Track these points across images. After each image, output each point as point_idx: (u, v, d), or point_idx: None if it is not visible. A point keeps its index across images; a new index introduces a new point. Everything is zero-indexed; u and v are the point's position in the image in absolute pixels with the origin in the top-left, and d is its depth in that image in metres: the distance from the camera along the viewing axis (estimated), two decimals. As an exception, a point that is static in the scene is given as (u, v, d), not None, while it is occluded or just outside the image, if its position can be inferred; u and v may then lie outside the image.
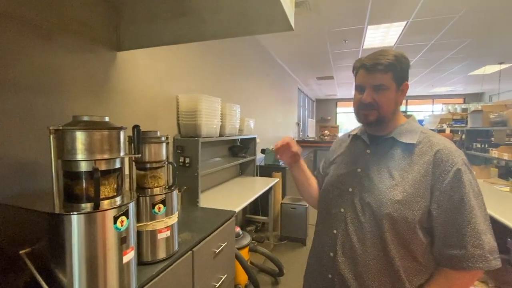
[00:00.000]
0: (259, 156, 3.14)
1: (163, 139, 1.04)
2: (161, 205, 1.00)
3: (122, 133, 0.76)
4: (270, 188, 2.71)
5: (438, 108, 9.40)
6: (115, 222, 0.71)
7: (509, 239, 1.77)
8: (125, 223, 0.74)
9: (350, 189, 0.84)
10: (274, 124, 4.86)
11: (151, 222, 0.98)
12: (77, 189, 0.71)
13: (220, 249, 1.38)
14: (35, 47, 0.99)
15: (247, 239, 2.12)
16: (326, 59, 4.89)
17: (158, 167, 1.05)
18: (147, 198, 0.98)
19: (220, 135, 2.15)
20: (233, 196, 2.13)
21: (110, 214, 0.70)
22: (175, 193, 1.08)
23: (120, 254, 0.73)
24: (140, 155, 0.89)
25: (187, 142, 1.78)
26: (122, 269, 0.74)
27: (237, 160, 2.58)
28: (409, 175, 0.75)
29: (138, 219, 0.97)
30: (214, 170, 2.06)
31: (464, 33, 3.54)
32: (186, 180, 1.75)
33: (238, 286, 2.02)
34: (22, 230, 0.71)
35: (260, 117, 3.95)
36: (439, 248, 0.72)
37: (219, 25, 1.14)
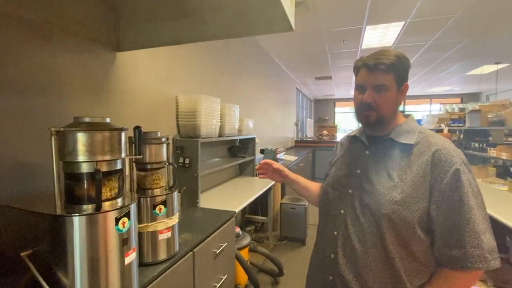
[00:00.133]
0: (258, 156, 3.13)
1: (163, 139, 1.04)
2: (162, 206, 1.00)
3: (123, 134, 0.76)
4: (270, 188, 2.71)
5: (436, 108, 9.45)
6: (116, 224, 0.71)
7: (508, 238, 1.78)
8: (127, 224, 0.74)
9: (350, 191, 0.84)
10: (273, 124, 4.87)
11: (152, 223, 0.98)
12: (79, 190, 0.71)
13: (220, 249, 1.38)
14: (34, 48, 0.98)
15: (247, 239, 2.12)
16: (325, 59, 4.90)
17: (159, 168, 1.05)
18: (148, 199, 0.98)
19: (220, 136, 2.15)
20: (232, 196, 2.13)
21: (112, 215, 0.70)
22: (176, 194, 1.07)
23: (122, 256, 0.73)
24: (141, 156, 0.89)
25: (187, 142, 1.78)
26: (124, 270, 0.74)
27: (236, 160, 2.58)
28: (408, 176, 0.75)
29: (139, 220, 0.96)
30: (213, 170, 2.06)
31: (462, 34, 3.56)
32: (185, 180, 1.75)
33: (238, 286, 2.02)
34: (23, 232, 0.70)
35: (259, 117, 3.95)
36: (439, 248, 0.72)
37: (219, 25, 1.14)
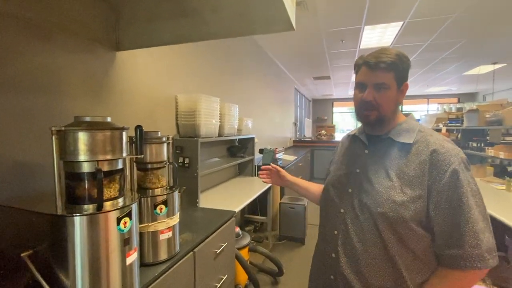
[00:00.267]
0: (258, 156, 3.13)
1: (164, 139, 1.04)
2: (163, 206, 0.99)
3: (124, 134, 0.76)
4: (269, 188, 2.71)
5: (433, 108, 9.50)
6: (118, 224, 0.70)
7: (506, 237, 1.79)
8: (128, 224, 0.73)
9: (350, 190, 0.85)
10: (272, 124, 4.87)
11: (152, 223, 0.98)
12: (79, 190, 0.70)
13: (221, 249, 1.38)
14: (34, 47, 0.97)
15: (246, 239, 2.12)
16: (323, 59, 4.91)
17: (159, 168, 1.04)
18: (149, 199, 0.97)
19: (219, 135, 2.14)
20: (232, 196, 2.13)
21: (113, 215, 0.69)
22: (177, 193, 1.07)
23: (123, 256, 0.73)
24: (142, 155, 0.88)
25: (186, 142, 1.77)
26: (125, 271, 0.74)
27: (235, 160, 2.57)
28: (406, 175, 0.76)
29: (140, 220, 0.96)
30: (213, 170, 2.05)
31: (459, 34, 3.58)
32: (185, 180, 1.74)
33: (238, 286, 2.01)
34: (24, 232, 0.70)
35: (258, 117, 3.95)
36: (438, 247, 0.73)
37: (219, 25, 1.14)
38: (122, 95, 1.40)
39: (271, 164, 1.20)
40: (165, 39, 1.25)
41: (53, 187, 0.67)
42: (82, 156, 0.67)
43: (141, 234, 0.95)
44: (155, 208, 0.98)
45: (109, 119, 0.75)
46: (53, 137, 0.65)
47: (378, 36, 3.70)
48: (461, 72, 5.91)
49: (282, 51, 4.46)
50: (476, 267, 0.67)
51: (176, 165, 1.06)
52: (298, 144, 7.21)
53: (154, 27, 1.23)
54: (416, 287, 0.75)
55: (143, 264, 0.96)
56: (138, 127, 0.84)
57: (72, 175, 0.70)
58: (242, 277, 2.03)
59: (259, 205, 3.15)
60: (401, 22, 3.20)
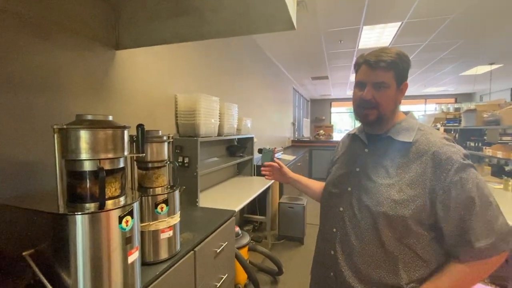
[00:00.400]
0: (257, 156, 3.13)
1: (165, 138, 1.04)
2: (164, 205, 0.99)
3: (126, 132, 0.75)
4: (268, 188, 2.71)
5: (431, 108, 9.56)
6: (120, 222, 0.70)
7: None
8: (130, 223, 0.73)
9: (349, 189, 0.85)
10: (271, 123, 4.87)
11: (153, 222, 0.97)
12: (81, 189, 0.70)
13: (221, 248, 1.37)
14: (34, 46, 0.97)
15: (246, 239, 2.12)
16: (322, 59, 4.92)
17: (160, 167, 1.04)
18: (149, 197, 0.97)
19: (219, 135, 2.14)
20: (231, 195, 2.13)
21: (115, 214, 0.69)
22: (177, 192, 1.07)
23: (125, 255, 0.72)
24: (144, 154, 0.88)
25: (186, 141, 1.77)
26: (127, 269, 0.73)
27: (235, 160, 2.57)
28: (406, 174, 0.76)
29: (141, 219, 0.95)
30: (213, 169, 2.05)
31: (457, 34, 3.60)
32: (185, 180, 1.74)
33: (238, 285, 2.01)
34: (25, 231, 0.69)
35: (257, 117, 3.95)
36: (453, 245, 0.72)
37: (220, 24, 1.14)
38: (122, 94, 1.40)
39: (274, 159, 1.21)
40: (165, 38, 1.24)
41: (54, 185, 0.67)
42: (84, 155, 0.67)
43: (142, 233, 0.95)
44: (156, 207, 0.97)
45: (110, 118, 0.75)
46: (55, 136, 0.65)
47: (376, 36, 3.72)
48: (459, 73, 5.95)
49: (281, 51, 4.47)
50: (497, 253, 0.68)
51: (177, 164, 1.06)
52: (296, 144, 7.23)
53: (154, 26, 1.22)
54: (414, 285, 0.75)
55: (144, 263, 0.96)
56: (140, 126, 0.84)
57: (74, 174, 0.70)
58: (242, 276, 2.03)
59: (258, 204, 3.15)
60: (400, 23, 3.22)
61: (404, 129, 0.82)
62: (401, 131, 0.82)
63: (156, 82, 1.69)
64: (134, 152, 0.90)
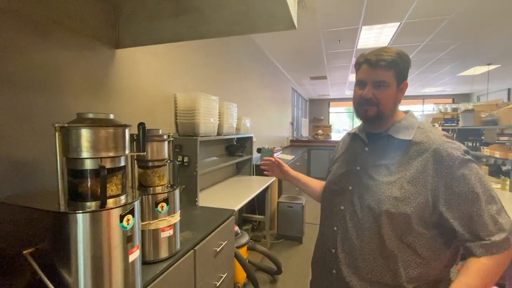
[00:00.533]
0: (256, 155, 3.13)
1: (165, 137, 1.03)
2: (164, 204, 0.99)
3: (127, 131, 0.75)
4: (267, 187, 2.72)
5: (428, 108, 9.61)
6: (121, 221, 0.70)
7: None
8: (131, 221, 0.73)
9: (350, 187, 0.86)
10: (269, 123, 4.87)
11: (154, 221, 0.97)
12: (82, 187, 0.70)
13: (220, 247, 1.38)
14: (34, 45, 0.96)
15: (245, 238, 2.12)
16: (320, 59, 4.93)
17: (161, 166, 1.04)
18: (150, 196, 0.97)
19: (218, 134, 2.14)
20: (230, 195, 2.13)
21: (116, 212, 0.69)
22: (178, 191, 1.07)
23: (126, 253, 0.72)
24: (145, 153, 0.88)
25: (185, 141, 1.77)
26: (128, 268, 0.73)
27: (234, 159, 2.57)
28: (407, 171, 0.76)
29: (141, 218, 0.95)
30: (212, 169, 2.05)
31: (455, 35, 3.62)
32: (184, 179, 1.74)
33: (237, 285, 2.01)
34: (26, 230, 0.69)
35: (256, 117, 3.95)
36: (468, 241, 0.72)
37: (220, 23, 1.14)
38: (122, 93, 1.39)
39: (273, 156, 1.21)
40: (166, 37, 1.24)
41: (54, 184, 0.67)
42: (85, 153, 0.67)
43: (142, 232, 0.95)
44: (156, 206, 0.97)
45: (111, 116, 0.75)
46: (56, 134, 0.65)
47: (375, 37, 3.73)
48: (457, 73, 5.98)
49: (280, 50, 4.47)
50: (509, 247, 0.68)
51: (177, 164, 1.06)
52: (295, 144, 7.23)
53: (154, 25, 1.22)
54: (412, 283, 0.75)
55: (144, 262, 0.96)
56: (141, 125, 0.84)
57: (75, 172, 0.69)
58: (241, 275, 2.03)
59: (257, 204, 3.15)
60: (398, 23, 3.23)
61: (404, 127, 0.83)
62: (401, 129, 0.83)
63: (156, 81, 1.68)
64: (135, 150, 0.90)
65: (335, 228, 0.86)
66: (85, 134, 0.66)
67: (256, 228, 3.30)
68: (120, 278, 0.72)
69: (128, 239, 0.72)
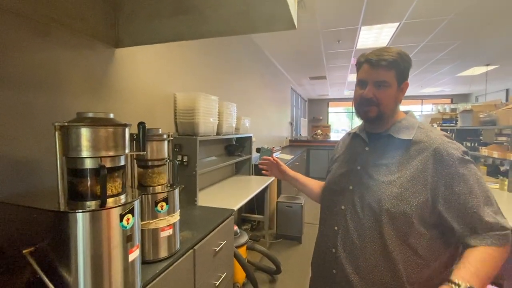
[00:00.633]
0: (255, 155, 3.14)
1: (165, 136, 1.03)
2: (164, 203, 0.99)
3: (127, 130, 0.75)
4: (266, 187, 2.72)
5: (427, 108, 9.63)
6: (121, 220, 0.70)
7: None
8: (131, 221, 0.73)
9: (351, 187, 0.86)
10: (269, 123, 4.87)
11: (153, 221, 0.97)
12: (82, 186, 0.70)
13: (220, 247, 1.38)
14: (34, 44, 0.96)
15: (244, 238, 2.12)
16: (320, 59, 4.93)
17: (160, 165, 1.04)
18: (149, 196, 0.97)
19: (217, 134, 2.14)
20: (230, 195, 2.13)
21: (116, 212, 0.69)
22: (177, 191, 1.07)
23: (126, 253, 0.72)
24: (145, 152, 0.88)
25: (185, 140, 1.77)
26: (127, 267, 0.73)
27: (233, 159, 2.57)
28: (407, 171, 0.77)
29: (141, 217, 0.95)
30: (211, 168, 2.05)
31: (454, 35, 3.63)
32: (183, 178, 1.74)
33: (236, 284, 2.02)
34: (25, 229, 0.69)
35: (255, 116, 3.95)
36: (461, 237, 0.72)
37: (220, 22, 1.14)
38: (122, 93, 1.39)
39: (272, 156, 1.21)
40: (165, 36, 1.24)
41: (54, 183, 0.67)
42: (85, 152, 0.67)
43: (142, 232, 0.95)
44: (156, 206, 0.97)
45: (111, 116, 0.75)
46: (56, 133, 0.65)
47: (374, 37, 3.73)
48: (455, 73, 6.00)
49: (280, 50, 4.47)
50: (501, 244, 0.69)
51: (177, 163, 1.06)
52: (294, 144, 7.24)
53: (154, 25, 1.22)
54: (412, 283, 0.75)
55: (144, 261, 0.95)
56: (141, 124, 0.83)
57: (75, 172, 0.69)
58: (240, 275, 2.03)
59: (256, 203, 3.15)
60: (398, 23, 3.23)
61: (404, 127, 0.83)
62: (402, 129, 0.83)
63: (155, 80, 1.68)
64: (135, 150, 0.90)
65: (336, 228, 0.86)
66: (85, 134, 0.66)
67: (255, 227, 3.30)
68: (120, 277, 0.72)
69: (128, 238, 0.72)
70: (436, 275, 0.77)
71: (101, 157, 0.68)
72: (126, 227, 0.72)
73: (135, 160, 0.99)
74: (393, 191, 0.76)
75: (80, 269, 0.65)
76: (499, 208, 0.73)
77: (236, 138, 2.87)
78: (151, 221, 0.97)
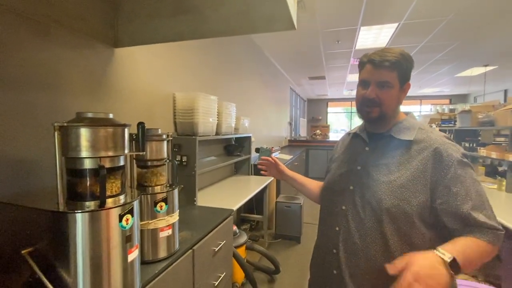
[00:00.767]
0: (254, 155, 3.14)
1: (164, 136, 1.03)
2: (163, 204, 0.99)
3: (126, 130, 0.75)
4: (265, 187, 2.72)
5: (426, 109, 9.66)
6: (120, 221, 0.70)
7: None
8: (130, 221, 0.73)
9: (351, 187, 0.86)
10: (268, 123, 4.87)
11: (152, 221, 0.97)
12: (81, 187, 0.70)
13: (219, 247, 1.38)
14: (33, 43, 0.96)
15: (243, 238, 2.12)
16: (319, 59, 4.94)
17: (160, 165, 1.04)
18: (149, 196, 0.97)
19: (217, 134, 2.14)
20: (229, 194, 2.13)
21: (116, 212, 0.69)
22: (176, 191, 1.07)
23: (125, 253, 0.72)
24: (144, 152, 0.88)
25: (184, 140, 1.76)
26: (127, 268, 0.73)
27: (232, 159, 2.57)
28: (407, 171, 0.77)
29: (140, 217, 0.95)
30: (211, 168, 2.05)
31: (453, 36, 3.64)
32: (183, 178, 1.74)
33: (235, 284, 2.02)
34: (24, 230, 0.68)
35: (254, 116, 3.95)
36: (456, 231, 0.73)
37: (220, 22, 1.14)
38: (121, 93, 1.39)
39: (271, 156, 1.21)
40: (165, 36, 1.24)
41: (53, 184, 0.67)
42: (85, 153, 0.67)
43: (141, 232, 0.94)
44: (155, 206, 0.97)
45: (111, 116, 0.75)
46: (55, 133, 0.64)
47: (373, 37, 3.74)
48: (454, 74, 6.02)
49: (279, 50, 4.47)
50: (490, 240, 0.70)
51: (176, 163, 1.06)
52: (293, 144, 7.24)
53: (153, 24, 1.22)
54: None
55: (143, 261, 0.95)
56: (141, 124, 0.83)
57: (74, 172, 0.69)
58: (239, 275, 2.04)
59: (255, 203, 3.15)
60: (397, 24, 3.24)
61: (405, 128, 0.84)
62: (403, 130, 0.84)
63: (155, 80, 1.68)
64: (134, 150, 0.90)
65: (337, 229, 0.86)
66: (85, 134, 0.66)
67: (254, 227, 3.30)
68: (119, 277, 0.72)
69: (127, 238, 0.72)
70: None
71: (100, 157, 0.68)
72: (125, 228, 0.71)
73: (134, 160, 0.99)
74: (394, 191, 0.76)
75: (79, 270, 0.64)
76: (493, 213, 0.74)
77: (235, 138, 2.87)
78: (150, 221, 0.97)
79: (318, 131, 7.87)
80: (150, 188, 1.00)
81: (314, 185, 1.14)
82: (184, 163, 1.75)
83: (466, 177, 0.73)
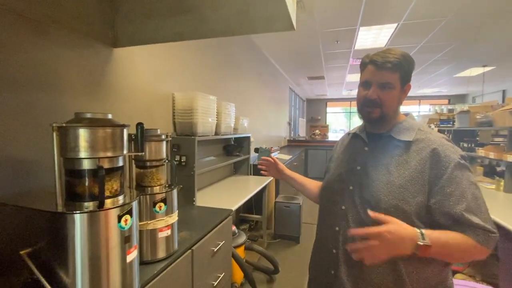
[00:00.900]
0: (253, 155, 3.14)
1: (163, 137, 1.03)
2: (162, 204, 0.99)
3: (125, 131, 0.75)
4: (264, 187, 2.72)
5: (425, 109, 9.67)
6: (119, 221, 0.70)
7: (496, 235, 1.84)
8: (129, 222, 0.73)
9: (351, 187, 0.86)
10: (267, 123, 4.88)
11: (151, 221, 0.97)
12: (80, 187, 0.69)
13: (218, 247, 1.38)
14: (32, 43, 0.95)
15: (242, 238, 2.12)
16: (318, 59, 4.94)
17: (159, 165, 1.04)
18: (148, 196, 0.97)
19: (216, 134, 2.14)
20: (228, 195, 2.13)
21: (114, 213, 0.69)
22: (175, 191, 1.07)
23: (124, 254, 0.72)
24: (143, 153, 0.88)
25: (183, 140, 1.76)
26: (126, 268, 0.73)
27: (231, 159, 2.57)
28: (406, 171, 0.77)
29: (139, 218, 0.95)
30: (210, 168, 2.05)
31: (452, 36, 3.65)
32: (182, 178, 1.74)
33: (234, 284, 2.02)
34: (23, 230, 0.68)
35: (254, 116, 3.95)
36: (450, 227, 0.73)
37: (219, 22, 1.14)
38: (119, 92, 1.39)
39: (270, 156, 1.21)
40: (164, 36, 1.24)
41: (51, 184, 0.66)
42: (83, 153, 0.66)
43: (140, 232, 0.94)
44: (154, 206, 0.97)
45: (110, 116, 0.75)
46: (54, 134, 0.64)
47: (373, 37, 3.74)
48: (453, 74, 6.03)
49: (278, 50, 4.47)
50: (490, 246, 0.70)
51: (175, 163, 1.06)
52: (292, 144, 7.25)
53: (152, 24, 1.22)
54: (412, 282, 0.76)
55: (142, 262, 0.95)
56: (140, 124, 0.83)
57: (73, 172, 0.69)
58: (238, 275, 2.04)
59: (254, 203, 3.15)
60: (396, 24, 3.25)
61: (405, 129, 0.84)
62: (402, 131, 0.84)
63: (154, 80, 1.68)
64: (133, 150, 0.90)
65: (337, 229, 0.86)
66: (83, 134, 0.66)
67: (253, 228, 3.30)
68: (118, 278, 0.71)
69: (126, 239, 0.72)
70: (435, 275, 0.77)
71: (99, 158, 0.68)
72: (124, 228, 0.71)
73: (133, 161, 0.99)
74: (393, 191, 0.77)
75: (78, 270, 0.64)
76: (489, 216, 0.74)
77: (235, 138, 2.87)
78: (149, 222, 0.97)
79: (317, 131, 7.88)
80: (149, 188, 1.00)
81: (314, 185, 1.14)
82: (183, 163, 1.75)
83: (462, 179, 0.73)
